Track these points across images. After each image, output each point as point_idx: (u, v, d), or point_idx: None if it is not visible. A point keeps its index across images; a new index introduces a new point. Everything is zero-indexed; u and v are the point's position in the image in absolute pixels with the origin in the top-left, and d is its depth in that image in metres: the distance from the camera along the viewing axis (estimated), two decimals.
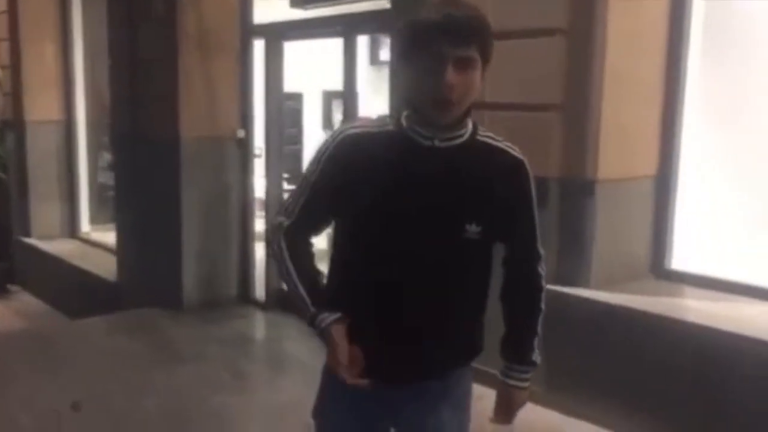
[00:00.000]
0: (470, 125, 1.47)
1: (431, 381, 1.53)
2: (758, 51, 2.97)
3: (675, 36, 2.99)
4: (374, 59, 6.75)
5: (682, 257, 3.14)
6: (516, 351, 1.60)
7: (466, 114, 1.43)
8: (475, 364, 1.57)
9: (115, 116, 5.60)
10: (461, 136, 1.44)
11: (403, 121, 1.45)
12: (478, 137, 1.47)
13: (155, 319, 4.75)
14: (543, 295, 1.59)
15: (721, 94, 3.03)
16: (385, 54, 6.22)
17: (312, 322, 1.48)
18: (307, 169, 1.53)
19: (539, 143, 2.86)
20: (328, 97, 7.31)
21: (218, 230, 4.99)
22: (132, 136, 5.26)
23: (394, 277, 1.44)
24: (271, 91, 4.87)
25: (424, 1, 1.40)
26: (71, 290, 6.08)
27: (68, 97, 6.79)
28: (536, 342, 1.59)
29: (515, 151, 1.50)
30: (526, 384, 1.61)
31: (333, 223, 1.56)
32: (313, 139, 7.01)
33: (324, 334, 1.46)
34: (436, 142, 1.42)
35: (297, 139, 7.05)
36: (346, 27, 4.31)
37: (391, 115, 1.52)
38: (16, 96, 6.79)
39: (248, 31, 4.91)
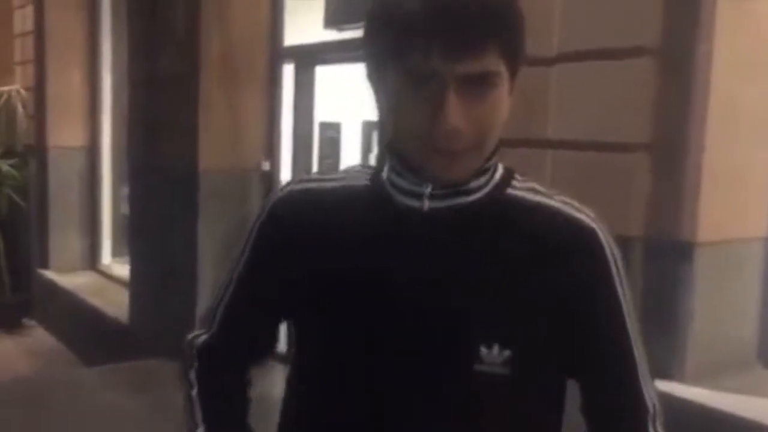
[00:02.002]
0: (497, 173, 0.94)
1: None
2: None
3: None
4: None
5: None
6: None
7: (489, 158, 0.91)
8: None
9: (131, 144, 5.31)
10: (475, 190, 0.91)
11: (385, 174, 0.94)
12: (511, 191, 0.94)
13: (163, 373, 4.29)
14: None
15: None
16: None
17: None
18: (236, 254, 1.04)
19: (619, 193, 2.28)
20: (369, 127, 7.02)
21: None
22: (148, 166, 4.94)
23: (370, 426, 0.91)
24: (301, 121, 4.54)
25: None
26: (84, 329, 5.77)
27: (94, 123, 6.56)
28: None
29: (582, 214, 0.93)
30: None
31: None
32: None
33: None
34: (429, 203, 0.89)
35: (334, 171, 6.82)
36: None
37: (367, 165, 1.02)
38: (39, 120, 6.57)
39: (277, 54, 4.56)
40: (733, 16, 2.23)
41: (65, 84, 6.42)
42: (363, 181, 0.97)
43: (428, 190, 0.89)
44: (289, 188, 1.02)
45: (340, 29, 4.21)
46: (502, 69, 0.84)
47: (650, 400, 0.95)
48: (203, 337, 1.05)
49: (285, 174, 4.62)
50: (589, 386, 0.95)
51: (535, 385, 0.91)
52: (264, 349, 1.08)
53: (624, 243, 2.28)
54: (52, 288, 6.34)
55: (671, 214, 2.27)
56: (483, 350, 0.85)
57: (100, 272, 6.51)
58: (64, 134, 6.45)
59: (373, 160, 6.43)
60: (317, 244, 0.94)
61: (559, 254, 0.89)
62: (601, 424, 0.96)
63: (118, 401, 3.93)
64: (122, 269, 6.09)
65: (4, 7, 6.94)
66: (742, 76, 2.26)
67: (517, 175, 0.96)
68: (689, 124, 2.22)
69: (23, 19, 6.73)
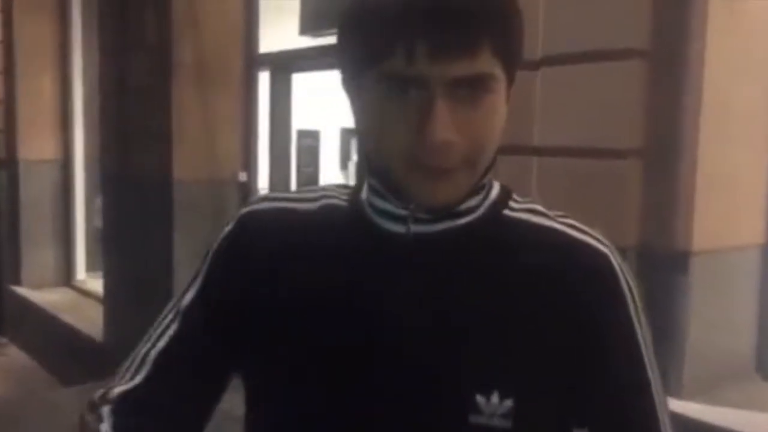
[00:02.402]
0: (492, 192, 0.81)
1: None
2: None
3: None
4: None
5: None
6: None
7: (483, 175, 0.77)
8: None
9: (103, 155, 5.17)
10: (468, 212, 0.78)
11: (364, 195, 0.81)
12: (508, 212, 0.81)
13: None
14: None
15: None
16: None
17: None
18: (185, 285, 0.86)
19: (610, 201, 2.19)
20: (347, 134, 6.95)
21: None
22: (121, 177, 4.80)
23: None
24: (278, 129, 4.40)
25: None
26: (58, 347, 5.62)
27: (66, 134, 6.41)
28: None
29: (591, 238, 0.80)
30: None
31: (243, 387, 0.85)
32: (330, 179, 6.52)
33: None
34: (414, 227, 0.77)
35: (314, 179, 6.78)
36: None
37: (343, 185, 0.88)
38: (9, 132, 6.44)
39: (252, 61, 4.45)
40: (724, 15, 2.15)
41: (35, 94, 6.27)
42: (340, 203, 0.84)
43: (412, 212, 0.77)
44: (249, 210, 0.87)
45: (316, 35, 4.11)
46: (498, 71, 0.72)
47: None
48: (120, 388, 0.83)
49: (262, 183, 4.51)
50: None
51: None
52: (203, 404, 0.86)
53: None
54: (25, 305, 6.18)
55: (665, 222, 2.18)
56: (480, 399, 0.72)
57: (74, 288, 6.36)
58: (36, 146, 6.30)
59: (352, 168, 6.31)
60: (288, 274, 0.80)
61: (567, 285, 0.77)
62: None
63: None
64: (97, 284, 5.93)
65: None
66: (735, 77, 2.19)
67: (515, 195, 0.84)
68: (682, 127, 2.14)
69: None
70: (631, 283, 0.80)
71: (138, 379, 0.83)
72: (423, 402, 0.74)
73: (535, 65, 2.28)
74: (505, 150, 2.43)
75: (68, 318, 5.56)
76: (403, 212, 0.77)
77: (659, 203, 2.18)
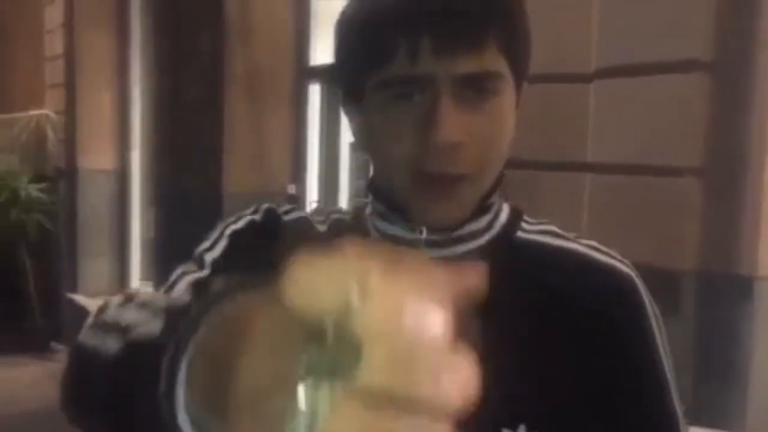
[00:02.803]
0: (502, 211, 0.77)
1: None
2: None
3: None
4: None
5: None
6: None
7: (491, 192, 0.72)
8: None
9: (157, 167, 5.30)
10: (479, 234, 0.73)
11: (367, 214, 0.78)
12: (522, 234, 0.77)
13: None
14: None
15: None
16: None
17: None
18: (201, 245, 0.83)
19: (668, 222, 2.06)
20: None
21: None
22: (173, 189, 4.85)
23: None
24: (329, 142, 4.39)
25: None
26: None
27: (123, 146, 6.53)
28: None
29: (615, 260, 0.77)
30: None
31: None
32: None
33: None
34: (425, 251, 0.70)
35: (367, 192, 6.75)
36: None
37: (344, 210, 0.84)
38: (69, 143, 6.56)
39: (304, 73, 4.45)
40: None
41: (95, 106, 6.41)
42: (343, 217, 0.81)
43: (423, 236, 0.71)
44: (279, 209, 0.82)
45: None
46: (506, 70, 0.68)
47: None
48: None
49: (312, 196, 4.49)
50: None
51: None
52: None
53: (675, 278, 2.08)
54: (81, 312, 6.28)
55: (727, 246, 2.04)
56: None
57: None
58: (94, 157, 6.43)
59: None
60: None
61: (593, 309, 0.73)
62: None
63: None
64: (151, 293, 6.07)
65: (35, 30, 6.98)
66: None
67: (526, 216, 0.79)
68: (747, 144, 2.00)
69: (53, 42, 6.75)
70: (656, 310, 0.76)
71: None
72: None
73: (588, 78, 2.18)
74: (555, 166, 2.34)
75: None
76: (411, 236, 0.71)
77: (721, 225, 2.04)
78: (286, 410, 0.29)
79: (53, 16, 6.71)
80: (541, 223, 0.79)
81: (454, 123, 0.64)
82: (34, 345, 6.39)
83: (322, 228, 0.80)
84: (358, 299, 0.28)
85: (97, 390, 0.55)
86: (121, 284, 6.58)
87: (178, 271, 0.81)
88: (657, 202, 2.05)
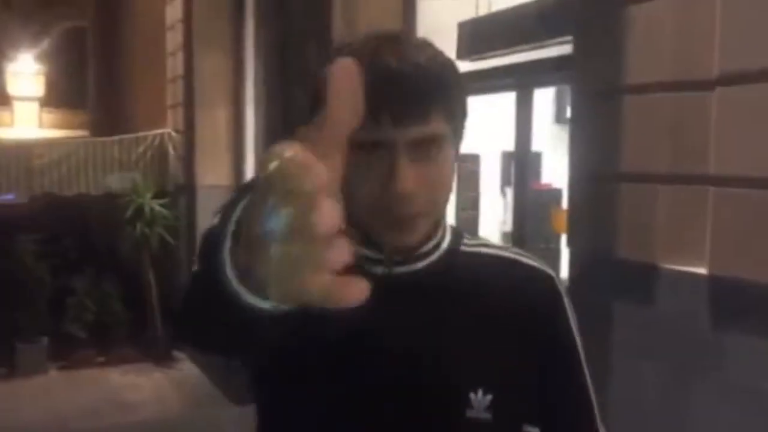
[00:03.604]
0: (446, 233, 1.01)
1: None
2: None
3: None
4: (560, 116, 6.11)
5: None
6: None
7: (438, 221, 0.98)
8: None
9: None
10: (431, 252, 0.98)
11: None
12: (464, 248, 1.02)
13: None
14: None
15: None
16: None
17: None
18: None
19: None
20: (508, 158, 6.74)
21: None
22: None
23: None
24: None
25: (347, 43, 0.93)
26: (228, 365, 5.78)
27: (238, 162, 6.75)
28: None
29: (537, 262, 1.02)
30: None
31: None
32: (491, 202, 6.50)
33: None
34: (392, 268, 0.95)
35: (475, 204, 6.63)
36: (520, 79, 3.65)
37: None
38: (188, 160, 6.84)
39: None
40: None
41: (212, 125, 6.68)
42: None
43: (388, 257, 0.94)
44: None
45: (474, 59, 4.01)
46: (447, 132, 0.90)
47: None
48: None
49: None
50: (550, 430, 1.00)
51: (516, 428, 0.97)
52: None
53: None
54: None
55: None
56: (472, 396, 0.91)
57: None
58: (212, 173, 6.68)
59: (510, 195, 6.12)
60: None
61: (521, 300, 0.98)
62: None
63: None
64: None
65: (158, 53, 7.35)
66: None
67: (465, 235, 1.03)
68: None
69: (174, 65, 7.07)
70: (569, 302, 1.01)
71: None
72: (430, 404, 0.91)
73: (711, 85, 2.02)
74: (674, 179, 2.18)
75: None
76: (380, 257, 0.94)
77: None
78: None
79: (174, 39, 7.03)
80: (476, 239, 1.04)
81: (409, 176, 0.85)
82: (157, 353, 6.70)
83: None
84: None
85: (198, 290, 0.72)
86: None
87: None
88: None
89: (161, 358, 6.66)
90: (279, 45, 4.93)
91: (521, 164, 3.85)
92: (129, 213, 6.54)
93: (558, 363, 1.00)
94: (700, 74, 2.04)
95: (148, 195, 6.69)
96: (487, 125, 5.84)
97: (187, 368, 6.58)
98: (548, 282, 1.01)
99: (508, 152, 6.75)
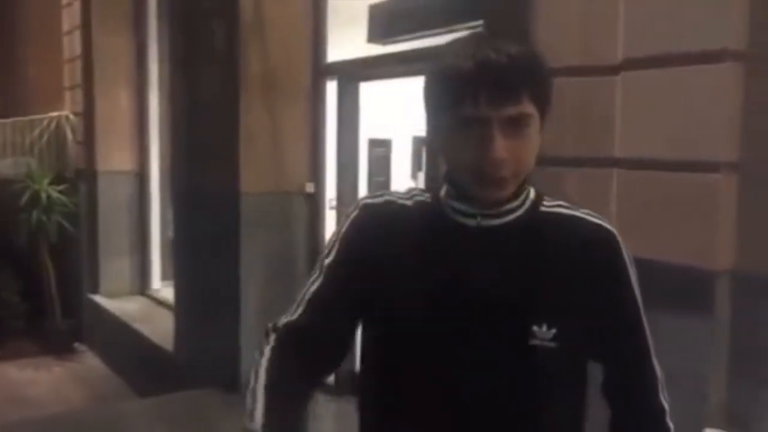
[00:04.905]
0: (530, 194, 1.18)
1: None
2: None
3: None
4: None
5: None
6: None
7: (523, 184, 1.15)
8: None
9: (174, 167, 5.20)
10: (516, 209, 1.15)
11: (442, 195, 1.19)
12: (543, 209, 1.18)
13: (205, 405, 4.13)
14: None
15: None
16: None
17: None
18: (323, 252, 1.23)
19: (700, 220, 1.96)
20: (419, 143, 6.80)
21: (283, 298, 4.31)
22: (191, 189, 4.79)
23: (442, 410, 1.12)
24: (346, 139, 4.31)
25: (454, 41, 1.12)
26: (132, 356, 5.70)
27: (142, 147, 6.53)
28: None
29: (602, 221, 1.18)
30: None
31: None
32: (401, 187, 6.53)
33: None
34: (482, 221, 1.14)
35: (385, 188, 6.67)
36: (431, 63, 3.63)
37: (427, 188, 1.25)
38: (88, 145, 6.55)
39: (320, 71, 4.37)
40: None
41: (113, 108, 6.41)
42: (426, 200, 1.20)
43: (480, 211, 1.13)
44: (364, 202, 1.22)
45: (384, 43, 4.00)
46: (534, 111, 1.07)
47: (656, 372, 1.18)
48: (284, 320, 1.17)
49: (330, 194, 4.42)
50: (608, 363, 1.18)
51: (575, 360, 1.14)
52: (335, 340, 1.17)
53: (707, 277, 1.98)
54: (103, 313, 6.29)
55: (764, 245, 1.93)
56: (535, 328, 1.09)
57: (149, 297, 6.46)
58: (113, 158, 6.43)
59: (421, 177, 6.19)
60: (394, 251, 1.15)
61: (586, 251, 1.13)
62: (618, 397, 1.18)
63: None
64: (171, 293, 5.92)
65: (54, 32, 6.98)
66: None
67: (545, 197, 1.19)
68: None
69: (71, 44, 6.74)
70: (630, 256, 1.15)
71: (297, 313, 1.16)
72: (497, 334, 1.10)
73: (615, 69, 2.08)
74: (583, 162, 2.23)
75: (141, 327, 5.61)
76: (473, 211, 1.14)
77: (758, 223, 1.94)
78: None
79: (71, 17, 6.70)
80: (555, 200, 1.19)
81: (501, 147, 1.05)
82: (57, 346, 6.42)
83: (408, 203, 1.20)
84: None
85: None
86: (142, 285, 6.60)
87: (309, 279, 1.19)
88: (688, 198, 1.95)
89: (61, 351, 6.39)
90: (183, 22, 4.75)
91: (432, 150, 3.85)
92: (24, 200, 6.22)
93: (614, 300, 1.14)
94: (606, 59, 2.10)
95: (45, 181, 6.38)
96: (398, 110, 5.88)
97: (89, 361, 6.34)
98: (609, 235, 1.14)
99: (420, 137, 6.84)
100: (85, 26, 6.41)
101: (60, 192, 6.44)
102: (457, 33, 3.41)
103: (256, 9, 4.15)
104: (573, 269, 1.12)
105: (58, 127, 6.76)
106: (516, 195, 1.14)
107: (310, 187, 4.38)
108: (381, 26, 4.06)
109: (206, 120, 4.55)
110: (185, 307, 4.92)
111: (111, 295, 6.44)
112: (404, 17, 3.95)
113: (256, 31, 4.19)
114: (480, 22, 3.06)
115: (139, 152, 6.52)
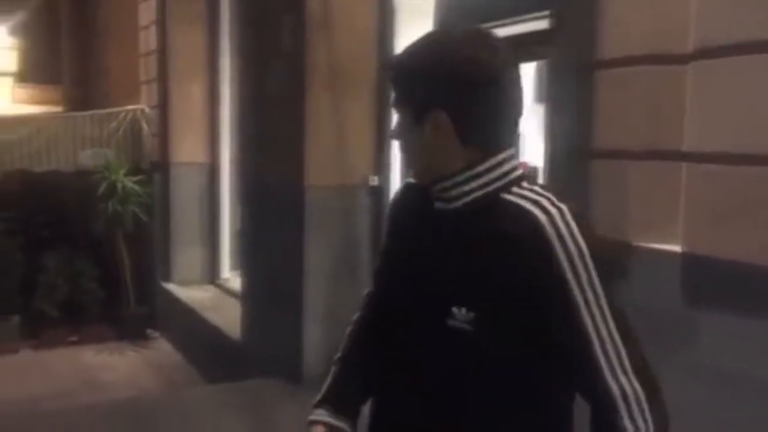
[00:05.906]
0: (497, 182, 1.17)
1: None
2: None
3: None
4: (541, 96, 6.00)
5: None
6: None
7: (471, 167, 1.17)
8: None
9: (243, 160, 5.31)
10: (466, 194, 1.18)
11: None
12: (506, 196, 1.16)
13: (269, 394, 4.20)
14: None
15: None
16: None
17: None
18: None
19: None
20: None
21: (347, 290, 4.32)
22: (258, 182, 4.87)
23: (399, 378, 1.25)
24: None
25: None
26: (201, 343, 5.85)
27: (214, 139, 6.66)
28: None
29: (536, 207, 1.11)
30: None
31: None
32: None
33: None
34: (440, 205, 1.21)
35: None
36: None
37: None
38: (163, 137, 6.74)
39: (386, 64, 4.29)
40: None
41: (186, 101, 6.57)
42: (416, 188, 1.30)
43: (436, 195, 1.22)
44: (406, 181, 1.36)
45: None
46: (406, 113, 1.23)
47: (619, 389, 1.08)
48: (368, 290, 1.41)
49: (394, 188, 4.40)
50: (558, 373, 1.15)
51: (498, 348, 1.13)
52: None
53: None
54: (174, 301, 6.45)
55: None
56: (455, 310, 1.13)
57: (219, 286, 6.59)
58: (186, 150, 6.59)
59: None
60: (399, 229, 1.31)
61: (508, 242, 1.11)
62: (592, 406, 1.13)
63: (225, 426, 3.83)
64: (240, 283, 6.19)
65: (130, 27, 7.19)
66: None
67: (524, 185, 1.17)
68: None
69: (147, 39, 6.93)
70: (567, 241, 1.08)
71: (372, 286, 1.40)
72: (426, 311, 1.18)
73: (685, 59, 1.99)
74: (647, 155, 2.15)
75: (211, 316, 5.74)
76: (435, 195, 1.22)
77: None
78: None
79: (147, 13, 6.89)
80: (530, 187, 1.16)
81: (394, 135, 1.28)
82: (131, 332, 6.63)
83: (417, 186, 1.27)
84: None
85: None
86: (212, 274, 6.75)
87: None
88: (762, 193, 1.85)
89: (135, 337, 6.60)
90: (254, 19, 4.83)
91: None
92: (102, 190, 6.44)
93: (543, 299, 1.10)
94: (676, 48, 2.01)
95: (121, 172, 6.59)
96: None
97: (161, 346, 6.52)
98: (535, 226, 1.09)
99: None
100: (161, 22, 6.58)
101: (135, 183, 6.63)
102: (524, 24, 3.36)
103: (322, 3, 4.17)
104: (498, 258, 1.11)
105: (134, 119, 6.96)
106: (465, 179, 1.16)
107: (374, 180, 4.38)
108: (446, 19, 4.02)
109: (273, 113, 4.61)
110: (251, 298, 5.01)
111: (183, 284, 6.61)
112: (470, 8, 3.89)
113: (323, 25, 4.21)
114: (547, 12, 2.99)
115: (210, 145, 6.66)
